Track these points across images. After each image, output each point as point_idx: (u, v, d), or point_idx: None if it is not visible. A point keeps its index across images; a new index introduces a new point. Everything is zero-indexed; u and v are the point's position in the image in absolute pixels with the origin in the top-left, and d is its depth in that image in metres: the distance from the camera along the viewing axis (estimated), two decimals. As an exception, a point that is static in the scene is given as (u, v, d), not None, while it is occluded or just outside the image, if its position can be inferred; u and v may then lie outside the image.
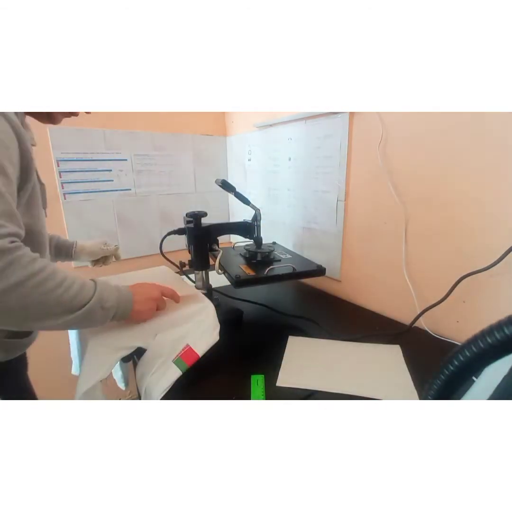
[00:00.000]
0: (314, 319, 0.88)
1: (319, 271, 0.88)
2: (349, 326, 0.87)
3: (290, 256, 0.99)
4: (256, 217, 0.92)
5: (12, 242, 0.42)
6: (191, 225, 0.83)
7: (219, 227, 0.91)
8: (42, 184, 0.61)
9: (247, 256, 0.94)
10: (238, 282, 0.78)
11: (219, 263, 0.83)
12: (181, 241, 0.90)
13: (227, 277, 0.84)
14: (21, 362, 0.73)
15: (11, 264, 0.40)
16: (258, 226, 0.93)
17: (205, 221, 0.86)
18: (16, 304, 0.41)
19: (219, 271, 0.83)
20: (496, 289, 0.71)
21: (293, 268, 0.84)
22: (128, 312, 0.55)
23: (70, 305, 0.46)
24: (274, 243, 1.14)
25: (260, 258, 0.91)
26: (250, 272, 0.84)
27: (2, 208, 0.43)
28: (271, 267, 0.84)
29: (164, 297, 0.62)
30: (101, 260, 0.91)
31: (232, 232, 0.99)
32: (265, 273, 0.81)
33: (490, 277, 0.70)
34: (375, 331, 0.83)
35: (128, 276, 0.80)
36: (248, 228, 0.94)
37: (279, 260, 0.93)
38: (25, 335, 0.63)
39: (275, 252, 0.98)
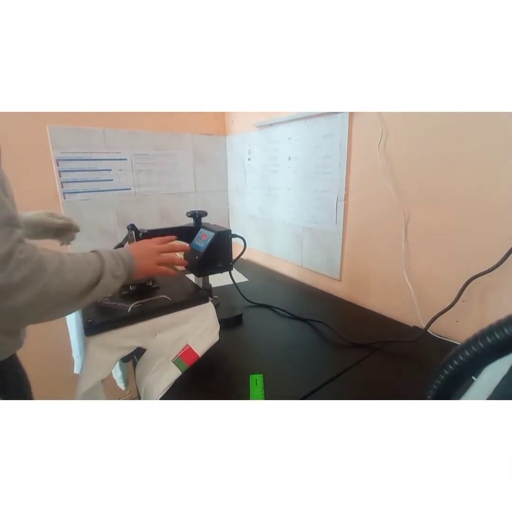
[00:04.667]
0: (320, 320, 0.87)
1: (200, 297, 0.71)
2: (353, 327, 0.87)
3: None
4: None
5: (23, 248, 0.41)
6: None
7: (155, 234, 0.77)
8: None
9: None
10: (92, 327, 0.58)
11: None
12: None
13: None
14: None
15: (36, 271, 0.41)
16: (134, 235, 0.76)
17: (148, 226, 0.81)
18: (46, 302, 0.43)
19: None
20: (495, 288, 0.71)
21: (168, 299, 0.67)
22: (133, 270, 0.57)
23: (88, 287, 0.48)
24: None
25: (132, 288, 0.73)
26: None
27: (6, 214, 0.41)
28: (138, 302, 0.65)
29: (164, 253, 0.65)
30: (63, 236, 0.78)
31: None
32: (128, 310, 0.62)
33: (489, 276, 0.70)
34: (390, 339, 0.79)
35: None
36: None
37: (157, 288, 0.74)
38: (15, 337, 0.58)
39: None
